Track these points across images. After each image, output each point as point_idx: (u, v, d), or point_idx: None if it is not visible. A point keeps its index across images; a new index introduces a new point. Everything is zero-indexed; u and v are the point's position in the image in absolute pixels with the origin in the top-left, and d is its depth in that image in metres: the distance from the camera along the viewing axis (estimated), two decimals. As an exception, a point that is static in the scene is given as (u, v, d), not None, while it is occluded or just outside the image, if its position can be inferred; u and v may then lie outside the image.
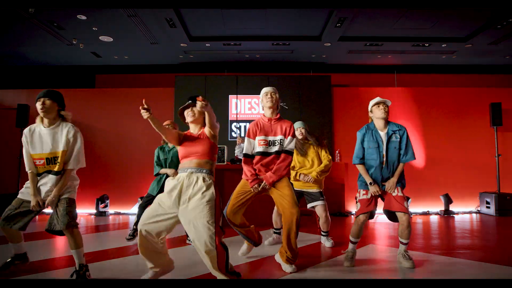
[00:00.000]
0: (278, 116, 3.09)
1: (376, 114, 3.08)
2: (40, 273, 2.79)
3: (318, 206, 3.73)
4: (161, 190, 3.85)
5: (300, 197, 3.81)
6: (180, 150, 2.49)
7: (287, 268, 2.86)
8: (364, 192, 3.09)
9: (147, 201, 3.88)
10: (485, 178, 6.72)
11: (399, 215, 2.99)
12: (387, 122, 3.10)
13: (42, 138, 2.64)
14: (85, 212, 6.43)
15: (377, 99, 3.11)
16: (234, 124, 6.84)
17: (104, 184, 6.63)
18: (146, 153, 6.59)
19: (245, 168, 3.02)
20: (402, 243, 3.05)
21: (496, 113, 6.52)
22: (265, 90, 3.09)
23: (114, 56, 6.87)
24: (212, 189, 2.31)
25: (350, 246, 3.09)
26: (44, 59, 7.02)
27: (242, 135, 6.67)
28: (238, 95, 6.92)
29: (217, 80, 7.03)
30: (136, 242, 3.68)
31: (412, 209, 6.38)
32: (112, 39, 5.99)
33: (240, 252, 3.30)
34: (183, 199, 2.29)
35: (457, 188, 6.62)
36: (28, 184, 2.69)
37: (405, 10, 5.05)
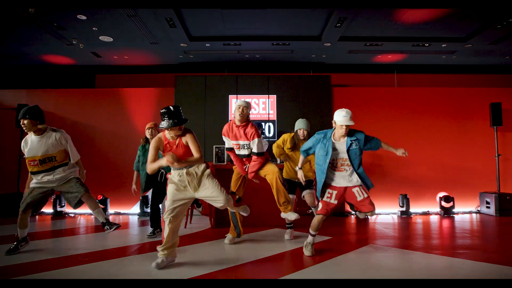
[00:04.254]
0: (244, 123, 3.61)
1: (338, 132, 3.31)
2: (40, 273, 2.79)
3: (307, 194, 4.14)
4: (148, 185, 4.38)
5: (295, 187, 4.23)
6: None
7: (292, 216, 3.52)
8: (329, 194, 3.33)
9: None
10: (485, 178, 6.71)
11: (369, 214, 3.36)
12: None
13: (33, 144, 3.36)
14: (84, 212, 6.43)
15: (343, 119, 3.22)
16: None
17: (104, 184, 6.62)
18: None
19: (233, 159, 3.80)
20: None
21: (496, 113, 6.52)
22: (238, 103, 3.61)
23: (114, 56, 6.86)
24: (207, 170, 3.02)
25: (310, 238, 3.40)
26: (44, 59, 7.02)
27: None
28: (238, 95, 6.92)
29: (217, 80, 7.02)
30: (156, 239, 4.14)
31: (412, 209, 6.37)
32: (112, 39, 5.99)
33: (226, 241, 3.88)
34: (193, 186, 2.99)
35: (457, 188, 6.62)
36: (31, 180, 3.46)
37: (405, 10, 5.05)
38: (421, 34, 5.93)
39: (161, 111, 2.88)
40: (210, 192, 2.98)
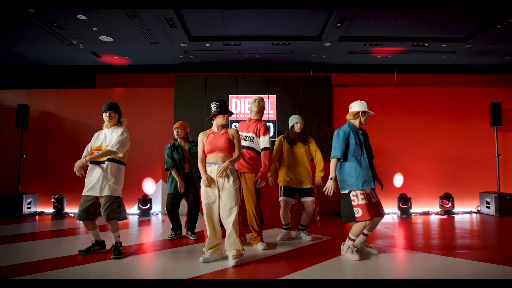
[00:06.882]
0: (258, 118, 3.84)
1: (364, 121, 3.37)
2: (40, 273, 2.79)
3: (309, 201, 4.05)
4: (175, 187, 4.22)
5: (294, 193, 4.11)
6: (206, 146, 3.14)
7: (260, 246, 3.55)
8: (362, 195, 3.13)
9: (170, 200, 4.22)
10: (485, 178, 6.72)
11: (380, 218, 3.30)
12: None
13: (103, 135, 3.44)
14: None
15: (365, 106, 3.36)
16: (234, 124, 6.84)
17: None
18: (146, 153, 6.60)
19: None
20: (365, 234, 3.31)
21: (496, 113, 6.52)
22: (254, 98, 3.90)
23: (114, 56, 6.86)
24: (235, 176, 3.10)
25: (350, 242, 3.26)
26: (44, 59, 7.02)
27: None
28: (238, 95, 6.92)
29: (217, 80, 7.03)
30: (175, 238, 4.20)
31: (412, 209, 6.37)
32: (112, 39, 5.99)
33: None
34: (220, 184, 3.05)
35: (457, 188, 6.62)
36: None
37: (405, 10, 5.05)
38: (421, 34, 5.93)
39: (212, 103, 3.22)
40: (224, 198, 3.04)
